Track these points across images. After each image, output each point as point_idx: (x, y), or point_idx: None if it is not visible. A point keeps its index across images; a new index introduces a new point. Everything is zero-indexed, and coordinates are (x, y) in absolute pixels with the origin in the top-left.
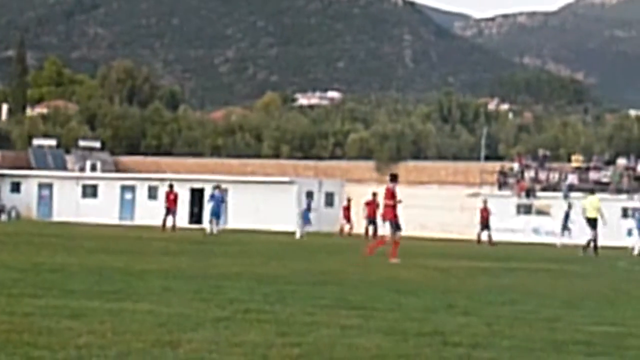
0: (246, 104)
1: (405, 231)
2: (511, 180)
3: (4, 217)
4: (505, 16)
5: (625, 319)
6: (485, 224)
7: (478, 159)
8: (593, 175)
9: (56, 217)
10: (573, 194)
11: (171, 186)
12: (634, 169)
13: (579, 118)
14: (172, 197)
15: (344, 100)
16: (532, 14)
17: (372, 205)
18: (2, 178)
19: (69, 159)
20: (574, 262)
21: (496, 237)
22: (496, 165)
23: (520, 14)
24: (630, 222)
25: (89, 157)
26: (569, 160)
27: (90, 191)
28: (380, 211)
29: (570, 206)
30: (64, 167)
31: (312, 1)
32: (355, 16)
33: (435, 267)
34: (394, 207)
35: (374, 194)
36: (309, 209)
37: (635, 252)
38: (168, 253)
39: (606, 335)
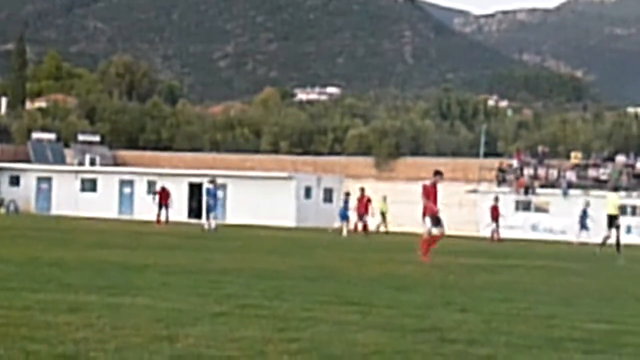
0: (245, 99)
1: (404, 227)
2: (510, 177)
3: (2, 210)
4: (504, 13)
5: (622, 316)
6: (494, 221)
7: (477, 155)
8: (592, 172)
9: (55, 211)
10: (572, 191)
11: (163, 188)
12: (632, 166)
13: (578, 115)
14: (164, 194)
15: (343, 96)
16: (531, 11)
17: (361, 201)
18: (1, 171)
19: (68, 153)
20: (571, 259)
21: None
22: (495, 162)
23: (520, 10)
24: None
25: (88, 151)
26: (568, 157)
27: (89, 185)
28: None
29: (587, 204)
30: (62, 161)
31: None
32: (355, 12)
33: (433, 263)
34: (434, 202)
35: (362, 190)
36: (346, 207)
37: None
38: (166, 248)
39: (603, 332)
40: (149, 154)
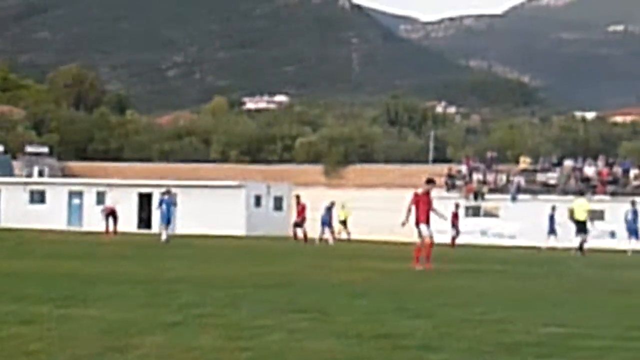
0: (194, 108)
1: (354, 234)
2: (459, 183)
3: None
4: (451, 19)
5: (576, 320)
6: (454, 227)
7: (426, 161)
8: (540, 176)
9: (3, 223)
10: (521, 196)
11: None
12: (580, 170)
13: (526, 120)
14: (109, 206)
15: (291, 104)
16: (478, 17)
17: (298, 208)
18: None
19: (16, 165)
20: (524, 263)
21: (443, 239)
22: (444, 168)
23: (467, 16)
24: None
25: (36, 163)
26: (517, 162)
27: (37, 197)
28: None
29: (554, 208)
30: (11, 173)
31: (260, 4)
32: (303, 20)
33: (385, 269)
34: (423, 211)
35: (297, 197)
36: (329, 216)
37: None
38: (117, 258)
39: (556, 336)
40: (97, 164)
